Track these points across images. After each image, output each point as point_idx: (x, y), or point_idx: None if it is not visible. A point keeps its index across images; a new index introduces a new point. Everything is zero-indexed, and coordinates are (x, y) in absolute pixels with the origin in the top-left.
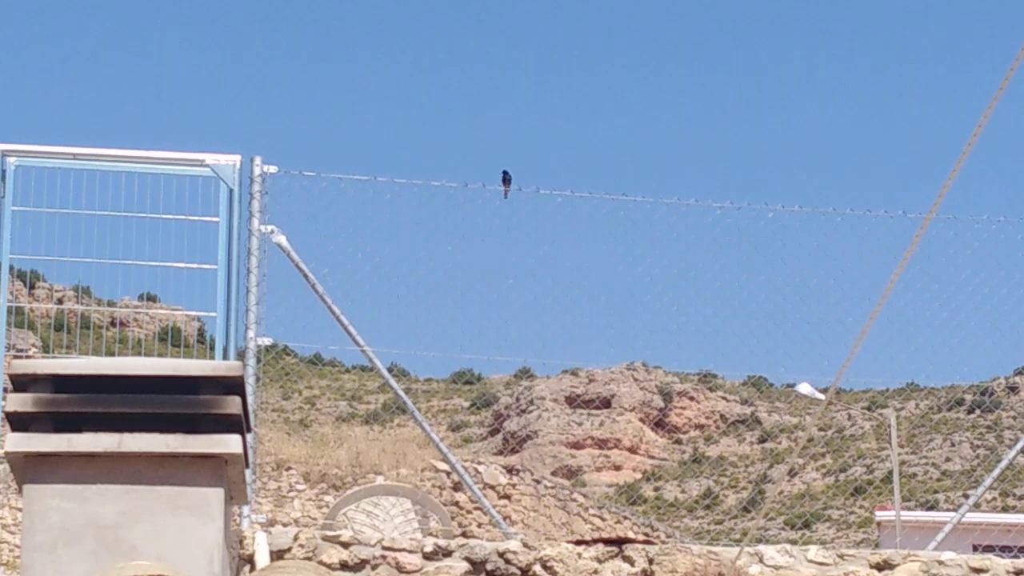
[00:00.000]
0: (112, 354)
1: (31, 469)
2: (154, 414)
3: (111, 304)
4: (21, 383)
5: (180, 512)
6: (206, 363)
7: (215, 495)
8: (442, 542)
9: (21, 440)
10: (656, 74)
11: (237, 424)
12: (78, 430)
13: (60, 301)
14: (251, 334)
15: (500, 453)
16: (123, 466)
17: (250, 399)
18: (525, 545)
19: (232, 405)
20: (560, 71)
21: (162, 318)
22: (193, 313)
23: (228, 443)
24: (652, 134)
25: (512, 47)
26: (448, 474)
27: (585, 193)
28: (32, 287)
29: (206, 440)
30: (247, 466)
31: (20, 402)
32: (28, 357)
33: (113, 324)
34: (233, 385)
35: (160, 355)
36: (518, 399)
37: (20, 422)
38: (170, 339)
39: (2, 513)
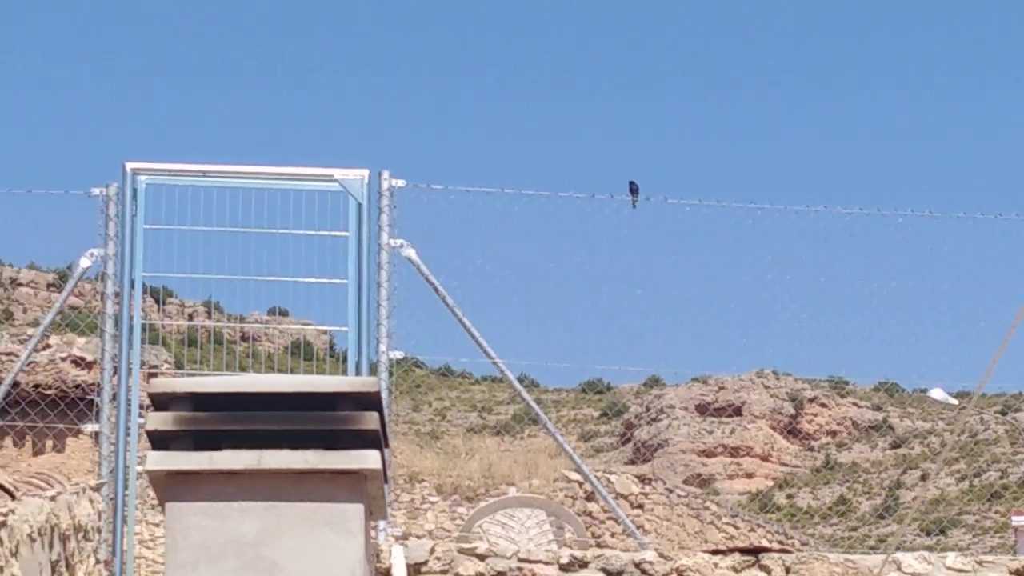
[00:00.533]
0: (243, 369)
1: (172, 487)
2: (293, 431)
3: (241, 319)
4: (161, 401)
5: (320, 528)
6: (343, 379)
7: (355, 511)
8: (578, 553)
9: (162, 458)
10: (782, 81)
11: (375, 439)
12: (218, 448)
13: (191, 317)
14: (383, 348)
15: (631, 462)
16: (263, 483)
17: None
18: (661, 555)
19: (370, 421)
20: (687, 80)
21: (292, 332)
22: (324, 328)
23: (367, 459)
24: (780, 141)
25: (639, 57)
26: (580, 484)
27: (713, 202)
28: (163, 303)
29: (345, 456)
30: (385, 481)
31: (161, 420)
32: (161, 373)
33: (244, 339)
34: (371, 401)
35: (291, 369)
36: (648, 408)
37: (161, 440)
38: (302, 353)
39: (138, 528)
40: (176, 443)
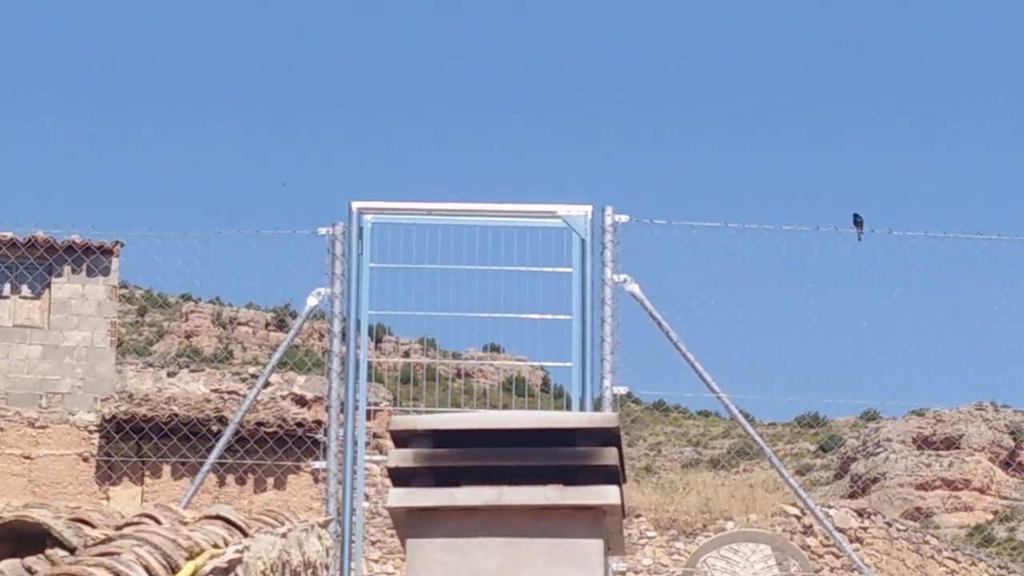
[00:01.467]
0: (458, 405)
1: (413, 524)
2: (532, 467)
3: (456, 356)
4: (402, 438)
5: (560, 564)
6: (582, 415)
7: (594, 546)
8: None
9: (404, 495)
10: (1006, 108)
11: (615, 475)
12: (458, 484)
13: (407, 354)
14: (607, 383)
15: (848, 496)
16: (503, 519)
17: None
18: None
19: (610, 456)
20: (907, 109)
21: (506, 369)
22: (545, 364)
23: (607, 494)
24: (1005, 169)
25: (857, 88)
26: (799, 519)
27: (939, 233)
28: (379, 341)
29: (585, 492)
30: (623, 516)
31: (401, 458)
32: (379, 411)
33: (459, 375)
34: (610, 436)
35: (506, 405)
36: (864, 441)
37: (402, 477)
38: (514, 389)
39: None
40: (417, 480)
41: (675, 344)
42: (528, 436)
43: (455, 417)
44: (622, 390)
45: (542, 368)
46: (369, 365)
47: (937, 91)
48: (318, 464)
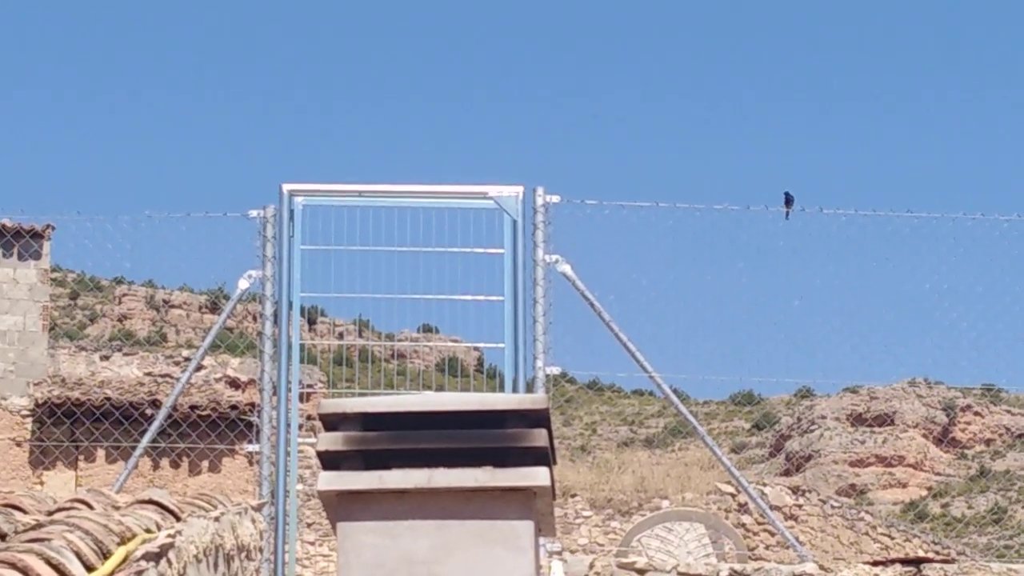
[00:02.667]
0: (394, 387)
1: (344, 507)
2: (462, 449)
3: (390, 337)
4: (331, 422)
5: (491, 546)
6: (512, 397)
7: (525, 528)
8: (737, 566)
9: (333, 479)
10: (932, 88)
11: (544, 457)
12: (388, 467)
13: (341, 336)
14: (539, 364)
15: (784, 474)
16: (433, 501)
17: None
18: (821, 567)
19: (539, 438)
20: (838, 88)
21: (441, 350)
22: (478, 345)
23: (537, 476)
24: (934, 148)
25: (788, 70)
26: (734, 496)
27: (869, 211)
28: (313, 322)
29: (515, 473)
30: (553, 497)
31: (331, 441)
32: (314, 393)
33: (393, 357)
34: (539, 418)
35: (442, 386)
36: (799, 419)
37: (332, 460)
38: (448, 369)
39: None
40: (347, 463)
41: (607, 324)
42: (458, 418)
43: (384, 400)
44: (555, 370)
45: (476, 349)
46: (303, 347)
47: (864, 69)
48: (251, 447)
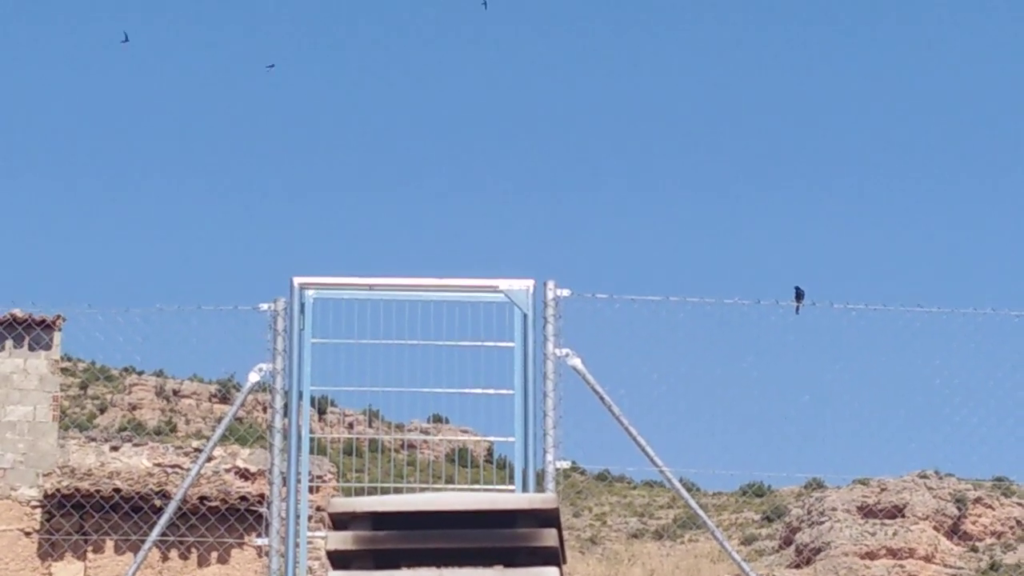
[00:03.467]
0: (402, 478)
1: None
2: (472, 548)
3: (400, 428)
4: (341, 521)
5: None
6: (522, 497)
7: None
8: None
9: None
10: (942, 182)
11: (554, 556)
12: (397, 566)
13: (351, 426)
14: (549, 458)
15: (794, 566)
16: None
17: None
18: None
19: (549, 538)
20: (847, 184)
21: (450, 439)
22: (489, 438)
23: None
24: (945, 243)
25: (794, 164)
26: None
27: (879, 306)
28: (323, 412)
29: (524, 573)
30: None
31: (341, 540)
32: (323, 485)
33: (403, 447)
34: (549, 518)
35: (451, 477)
36: (809, 510)
37: (342, 560)
38: (458, 460)
39: None
40: (357, 562)
41: (617, 418)
42: (468, 518)
43: (395, 499)
44: (565, 464)
45: (486, 440)
46: (313, 438)
47: (876, 163)
48: (261, 540)
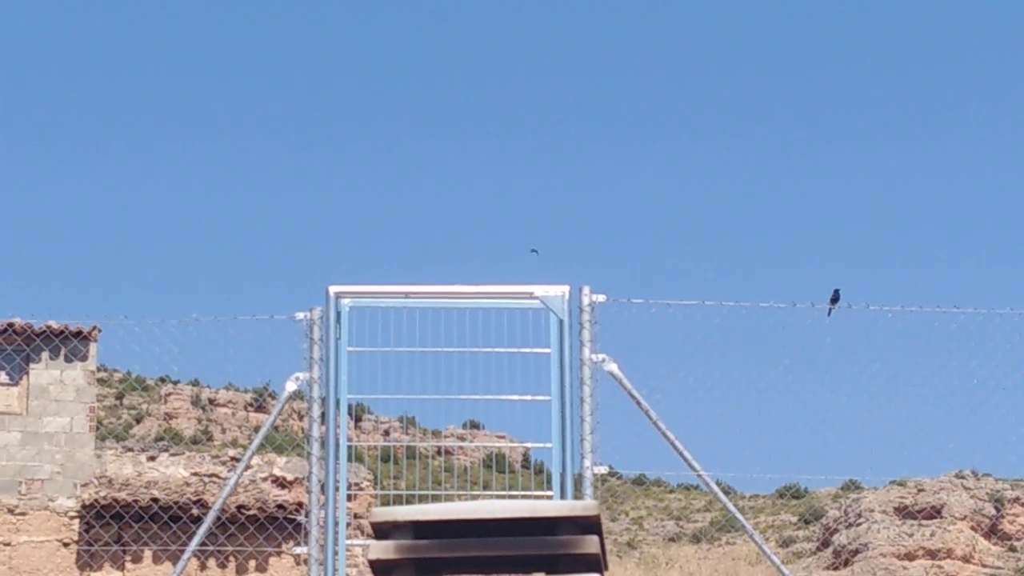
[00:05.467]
0: (439, 483)
1: None
2: (514, 556)
3: (436, 434)
4: (383, 531)
5: None
6: (563, 504)
7: None
8: None
9: None
10: (977, 182)
11: (596, 564)
12: (439, 575)
13: (386, 432)
14: (587, 463)
15: (831, 567)
16: None
17: None
18: None
19: (590, 545)
20: (882, 185)
21: (487, 446)
22: (527, 445)
23: None
24: (981, 244)
25: (829, 165)
26: None
27: (915, 307)
28: (359, 420)
29: None
30: None
31: (383, 550)
32: (360, 491)
33: (439, 453)
34: (590, 525)
35: (487, 482)
36: (846, 512)
37: (384, 569)
38: (495, 465)
39: None
40: (399, 571)
41: (654, 423)
42: (509, 526)
43: (436, 508)
44: (602, 470)
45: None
46: (349, 445)
47: (911, 165)
48: (299, 549)
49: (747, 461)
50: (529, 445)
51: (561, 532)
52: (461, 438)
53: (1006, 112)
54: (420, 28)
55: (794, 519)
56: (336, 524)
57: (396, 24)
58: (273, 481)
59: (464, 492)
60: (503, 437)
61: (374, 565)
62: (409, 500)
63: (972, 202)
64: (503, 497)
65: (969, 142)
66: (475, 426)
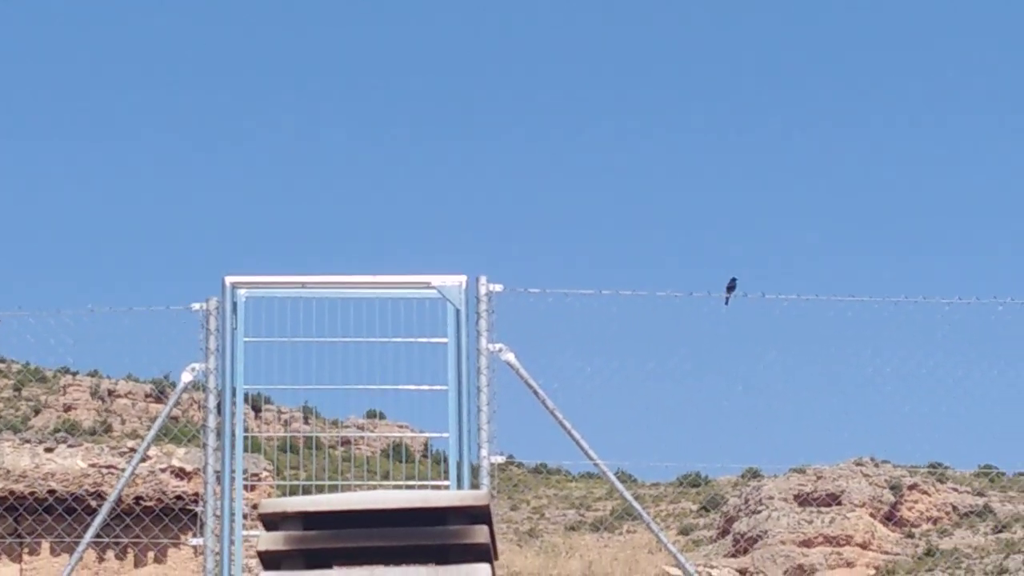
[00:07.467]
0: (339, 473)
1: None
2: (404, 547)
3: (336, 424)
4: (272, 522)
5: None
6: (453, 494)
7: None
8: None
9: None
10: (870, 173)
11: (485, 553)
12: (329, 566)
13: (287, 423)
14: (484, 452)
15: (731, 555)
16: None
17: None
18: None
19: (480, 534)
20: (778, 172)
21: (388, 436)
22: (424, 435)
23: (477, 572)
24: (877, 232)
25: (726, 160)
26: None
27: (811, 296)
28: (259, 410)
29: (456, 571)
30: None
31: (272, 541)
32: (259, 483)
33: (340, 443)
34: (480, 514)
35: (389, 472)
36: (747, 500)
37: (273, 560)
38: (396, 456)
39: None
40: (288, 563)
41: (552, 412)
42: (399, 516)
43: (325, 498)
44: (499, 459)
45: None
46: (248, 436)
47: (805, 152)
48: (195, 541)
49: (647, 450)
50: (428, 435)
51: (451, 522)
52: (362, 428)
53: (889, 101)
54: (302, 18)
55: (695, 507)
56: (232, 515)
57: (276, 14)
58: (172, 472)
59: (365, 482)
60: (405, 427)
61: (263, 556)
62: (308, 491)
63: (866, 191)
64: (403, 487)
65: (861, 130)
66: (376, 416)
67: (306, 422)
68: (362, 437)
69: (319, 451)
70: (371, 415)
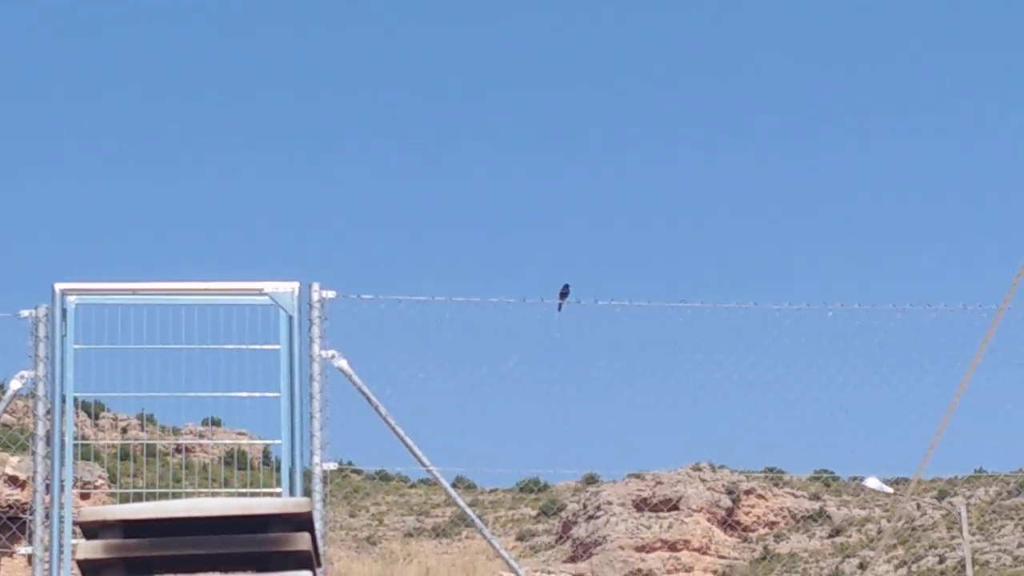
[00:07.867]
0: (179, 481)
1: None
2: (225, 554)
3: (175, 431)
4: (91, 530)
5: None
6: (275, 501)
7: None
8: None
9: None
10: (703, 182)
11: (307, 560)
12: (150, 574)
13: (124, 430)
14: (316, 459)
15: (570, 560)
16: None
17: (318, 524)
18: None
19: (302, 542)
20: (609, 183)
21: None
22: (260, 441)
23: None
24: (708, 239)
25: (559, 166)
26: None
27: (643, 302)
28: (96, 417)
29: None
30: None
31: (91, 549)
32: (96, 490)
33: (178, 451)
34: (302, 522)
35: (227, 479)
36: (585, 505)
37: (92, 570)
38: (236, 463)
39: None
40: (108, 571)
41: (384, 418)
42: (220, 524)
43: (146, 507)
44: (331, 466)
45: (262, 441)
46: (86, 444)
47: (641, 160)
48: (24, 550)
49: (486, 455)
50: (264, 441)
51: (272, 530)
52: (200, 435)
53: (746, 107)
54: (164, 23)
55: (534, 513)
56: (62, 523)
57: (136, 20)
58: (5, 480)
59: (204, 490)
60: (244, 434)
61: (82, 565)
62: (148, 498)
63: (698, 198)
64: (241, 494)
65: (704, 138)
66: (214, 423)
67: (143, 430)
68: (201, 444)
69: (158, 459)
70: (209, 423)
